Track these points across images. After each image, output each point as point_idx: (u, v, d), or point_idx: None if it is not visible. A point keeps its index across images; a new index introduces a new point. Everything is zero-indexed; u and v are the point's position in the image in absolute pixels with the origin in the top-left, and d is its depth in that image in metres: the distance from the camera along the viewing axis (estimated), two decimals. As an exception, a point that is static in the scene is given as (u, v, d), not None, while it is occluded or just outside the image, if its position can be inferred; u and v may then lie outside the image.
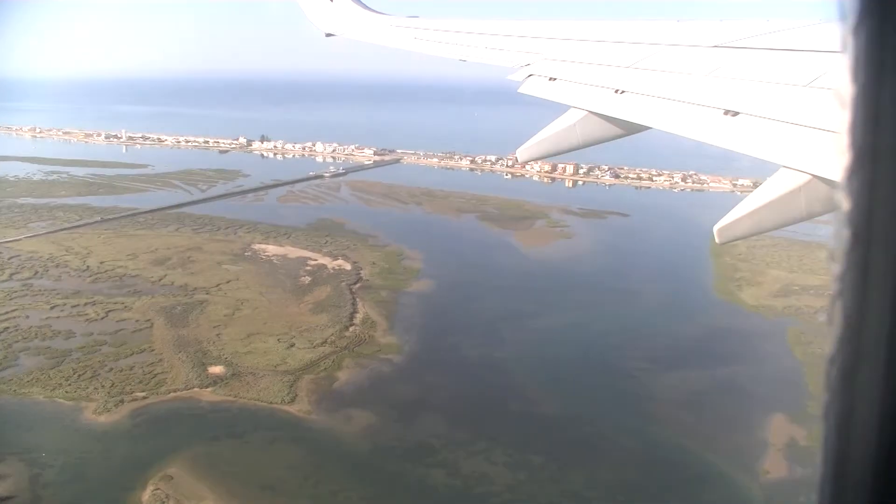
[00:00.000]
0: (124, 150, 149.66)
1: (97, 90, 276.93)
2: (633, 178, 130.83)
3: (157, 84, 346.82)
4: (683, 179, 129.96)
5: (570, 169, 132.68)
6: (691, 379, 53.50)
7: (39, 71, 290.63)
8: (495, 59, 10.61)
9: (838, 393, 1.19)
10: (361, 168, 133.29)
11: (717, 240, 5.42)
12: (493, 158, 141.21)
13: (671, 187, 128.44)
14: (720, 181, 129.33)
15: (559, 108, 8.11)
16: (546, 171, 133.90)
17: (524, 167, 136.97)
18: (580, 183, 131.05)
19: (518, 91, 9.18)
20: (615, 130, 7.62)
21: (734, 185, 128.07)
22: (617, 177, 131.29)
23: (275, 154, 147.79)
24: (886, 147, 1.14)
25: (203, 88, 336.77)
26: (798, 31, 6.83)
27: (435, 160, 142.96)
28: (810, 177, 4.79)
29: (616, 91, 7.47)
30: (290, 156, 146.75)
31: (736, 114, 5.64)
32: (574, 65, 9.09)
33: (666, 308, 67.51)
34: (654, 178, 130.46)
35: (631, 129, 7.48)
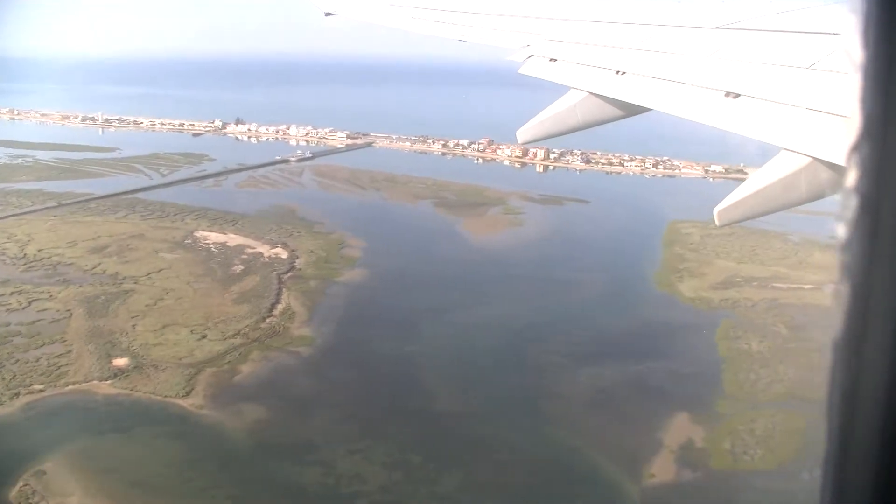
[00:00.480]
0: (101, 133, 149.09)
1: (93, 71, 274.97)
2: (604, 164, 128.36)
3: (153, 65, 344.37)
4: (655, 165, 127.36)
5: (540, 154, 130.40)
6: (604, 375, 52.39)
7: (41, 51, 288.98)
8: (495, 40, 10.47)
9: (844, 368, 1.16)
10: (331, 152, 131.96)
11: (717, 222, 5.40)
12: (465, 143, 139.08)
13: (642, 173, 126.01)
14: (692, 167, 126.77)
15: (556, 90, 8.03)
16: (517, 157, 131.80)
17: (494, 151, 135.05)
18: (551, 168, 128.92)
19: (518, 72, 9.13)
20: (616, 112, 7.59)
21: (706, 172, 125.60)
22: (588, 162, 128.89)
23: (248, 137, 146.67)
24: None
25: (199, 69, 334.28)
26: (800, 13, 6.71)
27: (408, 144, 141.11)
28: (811, 159, 4.74)
29: (617, 72, 7.44)
30: (265, 139, 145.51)
31: (737, 96, 5.61)
32: (575, 45, 9.03)
33: (600, 300, 66.21)
34: (625, 164, 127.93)
35: (631, 110, 7.42)
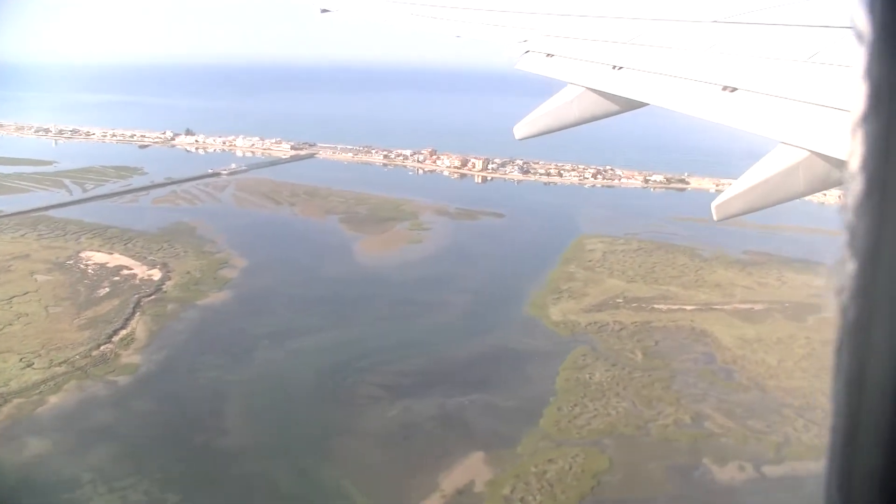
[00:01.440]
0: (54, 145, 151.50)
1: (74, 78, 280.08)
2: (542, 174, 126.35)
3: (139, 70, 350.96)
4: (595, 175, 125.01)
5: (479, 164, 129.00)
6: (417, 409, 51.07)
7: (27, 57, 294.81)
8: (492, 35, 10.50)
9: (849, 354, 1.13)
10: (269, 164, 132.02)
11: (714, 217, 5.36)
12: (407, 153, 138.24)
13: (581, 183, 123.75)
14: (633, 177, 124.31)
15: (545, 91, 8.17)
16: (456, 167, 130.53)
17: (434, 162, 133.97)
18: (489, 179, 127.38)
19: (515, 67, 9.23)
20: (613, 107, 7.62)
21: (646, 182, 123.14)
22: (526, 172, 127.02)
23: (196, 149, 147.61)
24: None
25: (185, 75, 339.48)
26: (797, 6, 6.81)
27: (350, 155, 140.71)
28: (809, 153, 4.81)
29: (614, 67, 7.47)
30: (212, 150, 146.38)
31: (734, 89, 5.66)
32: (572, 40, 9.07)
33: (457, 324, 64.82)
34: (564, 174, 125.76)
35: (629, 105, 7.47)
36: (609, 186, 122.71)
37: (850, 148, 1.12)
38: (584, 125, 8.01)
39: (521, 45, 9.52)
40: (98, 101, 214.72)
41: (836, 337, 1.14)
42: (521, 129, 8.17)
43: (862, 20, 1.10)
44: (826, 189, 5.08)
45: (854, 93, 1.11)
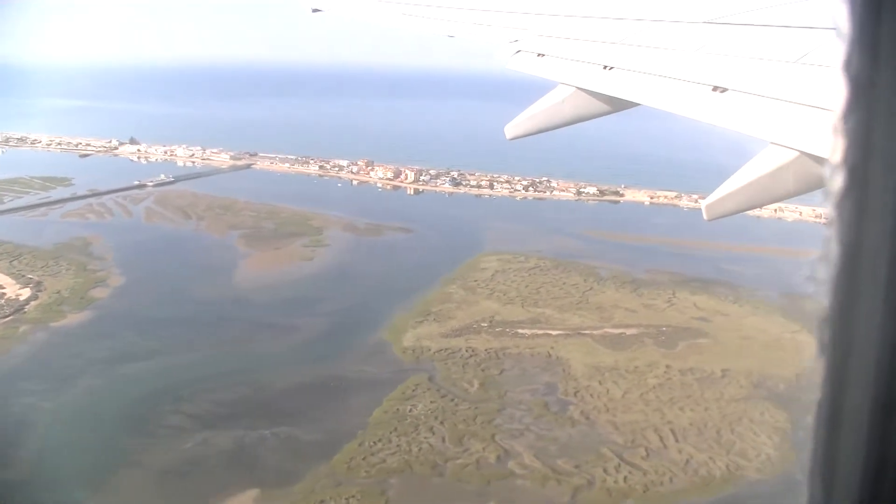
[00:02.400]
0: (1, 153, 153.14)
1: (48, 80, 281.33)
2: (473, 186, 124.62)
3: (120, 74, 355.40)
4: (526, 188, 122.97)
5: (411, 176, 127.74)
6: (214, 441, 49.93)
7: (28, 60, 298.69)
8: (483, 36, 10.66)
9: (836, 329, 1.16)
10: (200, 175, 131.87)
11: (704, 216, 5.50)
12: (343, 163, 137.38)
13: (511, 195, 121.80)
14: (567, 189, 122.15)
15: (530, 95, 8.28)
16: (388, 179, 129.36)
17: (368, 173, 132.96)
18: (421, 191, 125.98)
19: (506, 67, 9.33)
20: (603, 107, 7.71)
21: (579, 194, 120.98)
22: (458, 184, 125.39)
23: (139, 158, 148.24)
24: (885, 80, 1.10)
25: (163, 78, 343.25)
26: (787, 7, 6.85)
27: (286, 166, 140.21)
28: (798, 153, 4.89)
29: (604, 67, 7.56)
30: (154, 159, 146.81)
31: (724, 90, 5.73)
32: (563, 40, 9.16)
33: (305, 349, 63.56)
34: (495, 186, 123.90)
35: (619, 105, 7.56)
36: (540, 199, 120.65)
37: (832, 142, 1.13)
38: (573, 125, 8.14)
39: (512, 44, 9.65)
40: (62, 106, 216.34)
41: (820, 330, 1.17)
42: (511, 130, 8.22)
43: (842, 15, 1.11)
44: (815, 189, 5.05)
45: (835, 87, 1.12)
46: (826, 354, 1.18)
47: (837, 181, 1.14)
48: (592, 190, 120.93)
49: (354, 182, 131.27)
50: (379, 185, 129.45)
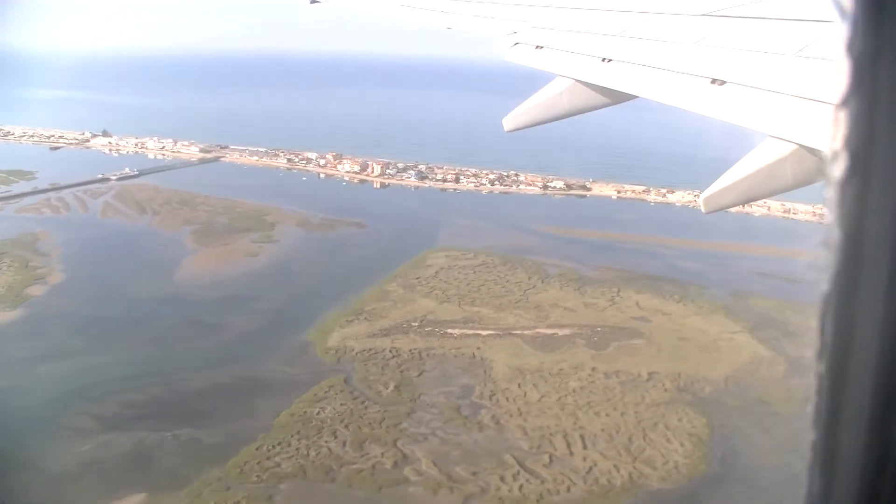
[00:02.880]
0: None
1: (34, 70, 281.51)
2: (438, 180, 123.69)
3: (112, 63, 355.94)
4: (492, 182, 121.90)
5: (377, 169, 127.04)
6: (114, 444, 49.91)
7: (13, 49, 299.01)
8: (481, 28, 10.74)
9: (837, 319, 1.15)
10: (165, 168, 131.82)
11: (702, 209, 5.54)
12: (312, 156, 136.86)
13: (477, 189, 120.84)
14: (534, 183, 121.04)
15: (528, 86, 8.40)
16: (355, 172, 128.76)
17: (336, 166, 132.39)
18: (388, 184, 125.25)
19: (504, 59, 9.39)
20: (601, 99, 7.76)
21: (545, 188, 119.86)
22: (423, 178, 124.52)
23: (110, 150, 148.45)
24: (888, 61, 1.08)
25: (154, 68, 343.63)
26: (786, 0, 6.92)
27: (255, 158, 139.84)
28: (796, 146, 4.92)
29: (603, 59, 7.58)
30: (125, 152, 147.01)
31: (723, 83, 5.75)
32: (561, 33, 9.24)
33: (227, 349, 63.35)
34: (461, 180, 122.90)
35: (617, 97, 7.59)
36: (506, 193, 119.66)
37: (833, 126, 1.11)
38: (570, 118, 8.16)
39: (510, 36, 9.69)
40: (43, 97, 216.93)
41: (819, 319, 1.15)
42: (510, 122, 8.25)
43: None
44: (813, 182, 5.07)
45: (837, 69, 1.10)
46: (826, 346, 1.16)
47: (838, 167, 1.11)
48: (559, 184, 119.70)
49: (322, 175, 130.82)
50: (346, 178, 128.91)
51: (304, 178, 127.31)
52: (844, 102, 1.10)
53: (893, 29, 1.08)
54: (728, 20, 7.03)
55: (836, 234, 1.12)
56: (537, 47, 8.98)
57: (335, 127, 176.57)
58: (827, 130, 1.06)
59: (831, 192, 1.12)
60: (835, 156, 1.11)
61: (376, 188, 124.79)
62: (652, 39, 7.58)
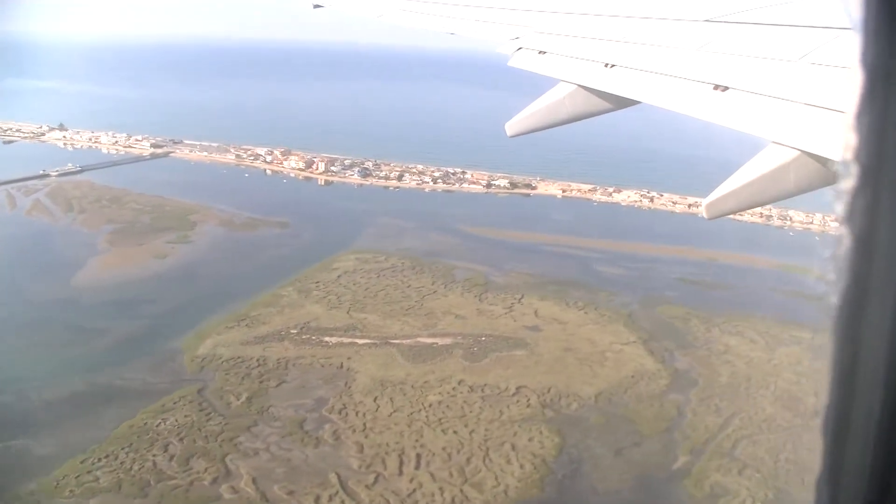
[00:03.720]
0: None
1: (18, 59, 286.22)
2: (381, 178, 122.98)
3: (104, 51, 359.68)
4: (435, 181, 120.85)
5: (322, 166, 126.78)
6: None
7: (34, 36, 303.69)
8: (484, 33, 11.00)
9: (845, 328, 1.17)
10: (111, 164, 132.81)
11: (705, 215, 5.56)
12: (261, 151, 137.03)
13: (420, 187, 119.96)
14: (478, 181, 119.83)
15: (531, 92, 8.62)
16: (300, 168, 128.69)
17: (282, 163, 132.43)
18: (332, 182, 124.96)
19: (508, 64, 9.65)
20: (604, 104, 7.89)
21: (489, 187, 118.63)
22: (367, 175, 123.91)
23: (65, 145, 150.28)
24: None
25: (144, 57, 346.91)
26: (789, 6, 7.07)
27: (205, 154, 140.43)
28: (799, 152, 4.99)
29: (606, 65, 7.77)
30: (79, 146, 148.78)
31: (726, 88, 5.88)
32: (564, 38, 9.41)
33: (97, 356, 63.42)
34: (404, 178, 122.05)
35: (620, 103, 7.72)
36: (449, 191, 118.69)
37: (845, 137, 1.13)
38: (575, 122, 8.26)
39: (513, 42, 9.89)
40: (24, 87, 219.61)
41: (831, 327, 1.18)
42: (512, 127, 8.34)
43: (857, 6, 1.11)
44: (816, 189, 5.13)
45: (850, 81, 1.12)
46: (835, 355, 1.18)
47: (849, 178, 1.13)
48: (504, 182, 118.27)
49: (268, 172, 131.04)
50: (292, 174, 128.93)
51: (247, 175, 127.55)
52: (857, 114, 1.11)
53: None
54: (731, 26, 7.14)
55: (845, 245, 1.14)
56: (540, 52, 9.19)
57: (305, 120, 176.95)
58: (837, 141, 1.01)
59: (841, 203, 1.13)
60: (846, 167, 1.12)
61: (321, 185, 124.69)
62: (654, 45, 7.72)
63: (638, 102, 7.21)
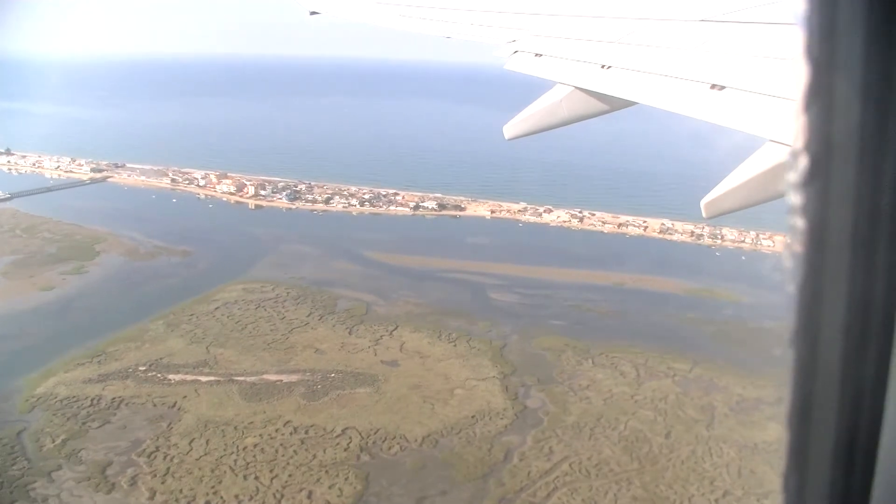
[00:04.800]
0: None
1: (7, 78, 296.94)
2: (308, 201, 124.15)
3: (93, 70, 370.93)
4: (362, 203, 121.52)
5: (252, 190, 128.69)
6: None
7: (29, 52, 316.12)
8: (481, 36, 11.55)
9: (803, 316, 1.27)
10: (46, 190, 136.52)
11: (703, 214, 5.88)
12: (198, 175, 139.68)
13: (346, 211, 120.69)
14: (406, 203, 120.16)
15: (528, 95, 9.06)
16: (231, 192, 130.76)
17: (214, 187, 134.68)
18: (263, 206, 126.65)
19: (504, 67, 10.09)
20: (601, 106, 8.27)
21: (416, 210, 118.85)
22: (295, 199, 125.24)
23: (9, 170, 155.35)
24: (843, 64, 1.19)
25: (136, 76, 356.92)
26: (786, 4, 7.32)
27: (143, 178, 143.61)
28: None
29: (602, 66, 8.11)
30: (23, 171, 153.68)
31: (722, 88, 6.17)
32: (560, 40, 9.86)
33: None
34: (331, 201, 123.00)
35: (617, 104, 8.11)
36: (376, 214, 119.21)
37: (794, 129, 1.21)
38: (571, 125, 8.63)
39: (509, 45, 10.30)
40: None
41: (790, 323, 1.25)
42: (510, 129, 8.69)
43: (800, 1, 1.20)
44: None
45: (796, 75, 1.21)
46: (794, 344, 1.24)
47: (799, 168, 1.20)
48: (432, 204, 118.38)
49: (201, 196, 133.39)
50: (224, 199, 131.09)
51: (175, 200, 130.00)
52: (804, 106, 1.18)
53: (848, 36, 1.14)
54: (726, 25, 7.33)
55: (798, 235, 1.20)
56: (537, 55, 9.43)
57: (257, 140, 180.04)
58: (789, 133, 1.14)
59: (793, 194, 1.20)
60: (795, 157, 1.19)
61: (251, 210, 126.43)
62: (651, 46, 7.91)
63: (635, 103, 7.41)
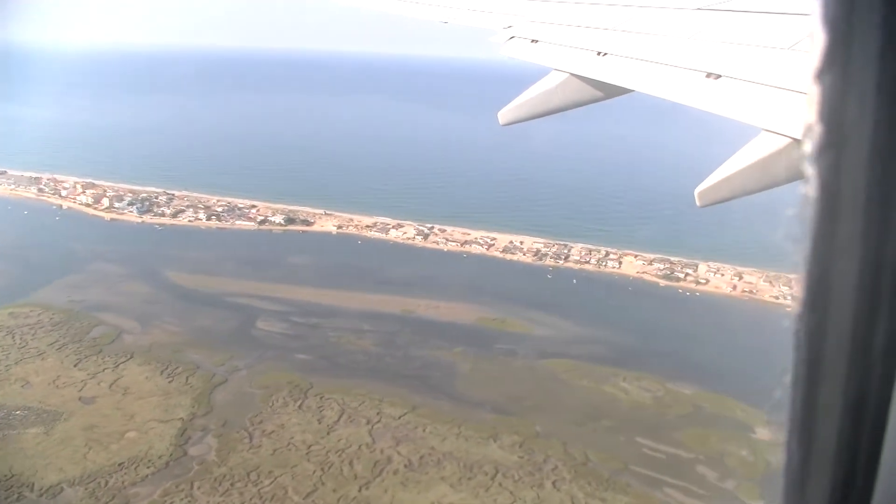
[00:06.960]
0: None
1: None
2: (157, 215, 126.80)
3: (111, 60, 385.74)
4: (210, 217, 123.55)
5: (107, 202, 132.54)
6: None
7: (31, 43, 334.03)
8: (477, 21, 12.42)
9: (812, 291, 1.30)
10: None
11: (697, 203, 6.23)
12: (68, 185, 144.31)
13: (193, 224, 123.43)
14: (255, 218, 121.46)
15: (524, 80, 9.48)
16: (88, 203, 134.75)
17: (76, 198, 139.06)
18: (117, 219, 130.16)
19: (500, 53, 10.77)
20: (596, 93, 8.75)
21: (262, 223, 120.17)
22: (145, 212, 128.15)
23: None
24: (861, 30, 1.24)
25: (114, 69, 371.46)
26: None
27: (11, 188, 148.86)
28: (790, 140, 5.56)
29: (598, 53, 8.65)
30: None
31: (718, 76, 6.57)
32: (556, 26, 10.50)
33: None
34: (179, 215, 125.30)
35: (612, 91, 8.56)
36: (221, 229, 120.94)
37: (809, 98, 1.28)
38: (568, 111, 9.18)
39: (506, 30, 11.05)
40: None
41: (795, 304, 1.32)
42: (505, 115, 9.19)
43: None
44: None
45: (812, 42, 1.27)
46: (800, 319, 1.29)
47: (814, 137, 1.25)
48: (279, 218, 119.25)
49: (64, 207, 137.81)
50: (82, 210, 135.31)
51: (26, 213, 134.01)
52: (819, 73, 1.24)
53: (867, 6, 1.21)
54: (723, 14, 7.83)
55: (810, 205, 1.27)
56: (533, 41, 10.09)
57: (161, 143, 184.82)
58: (803, 102, 1.36)
59: (806, 164, 1.27)
60: (810, 127, 1.26)
61: (107, 222, 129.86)
62: (647, 33, 8.49)
63: (630, 91, 7.84)
